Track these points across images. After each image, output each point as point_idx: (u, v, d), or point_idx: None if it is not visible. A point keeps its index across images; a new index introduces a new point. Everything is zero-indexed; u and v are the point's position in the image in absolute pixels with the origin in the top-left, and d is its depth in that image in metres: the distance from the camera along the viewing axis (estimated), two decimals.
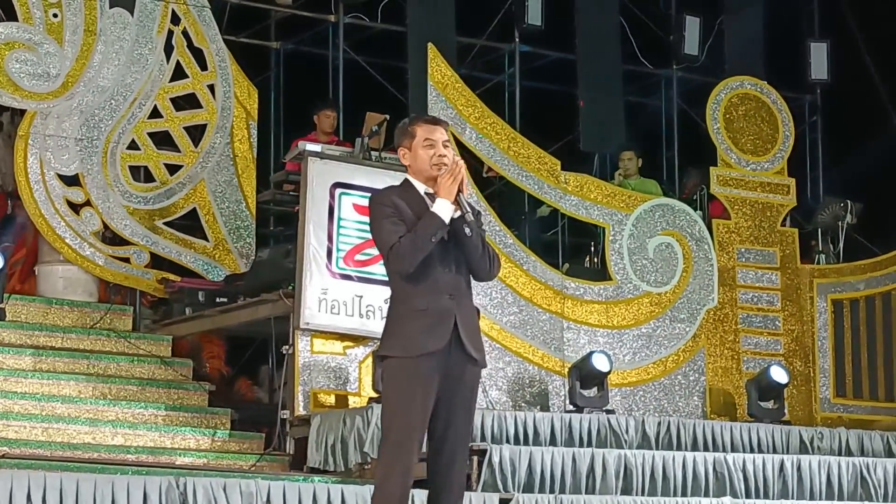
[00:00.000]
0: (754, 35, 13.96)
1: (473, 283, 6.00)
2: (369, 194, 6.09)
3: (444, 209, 5.81)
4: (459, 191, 5.84)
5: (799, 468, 10.17)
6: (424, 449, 5.93)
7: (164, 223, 11.59)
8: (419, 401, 5.75)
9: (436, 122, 6.01)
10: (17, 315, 10.77)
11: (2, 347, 10.33)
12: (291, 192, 11.46)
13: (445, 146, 5.95)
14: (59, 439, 9.63)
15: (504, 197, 12.75)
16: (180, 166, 11.68)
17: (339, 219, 10.18)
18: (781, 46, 14.29)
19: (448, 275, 5.85)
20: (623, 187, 12.38)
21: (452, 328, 5.81)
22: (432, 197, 5.88)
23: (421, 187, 5.94)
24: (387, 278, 5.95)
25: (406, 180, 6.00)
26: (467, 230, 5.83)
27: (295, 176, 11.06)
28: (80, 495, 7.72)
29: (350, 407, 10.04)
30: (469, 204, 5.89)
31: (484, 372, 10.61)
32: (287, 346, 10.18)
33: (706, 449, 10.46)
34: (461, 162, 5.89)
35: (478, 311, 6.06)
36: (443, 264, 5.83)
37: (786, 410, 11.77)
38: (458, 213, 5.83)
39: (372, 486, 5.91)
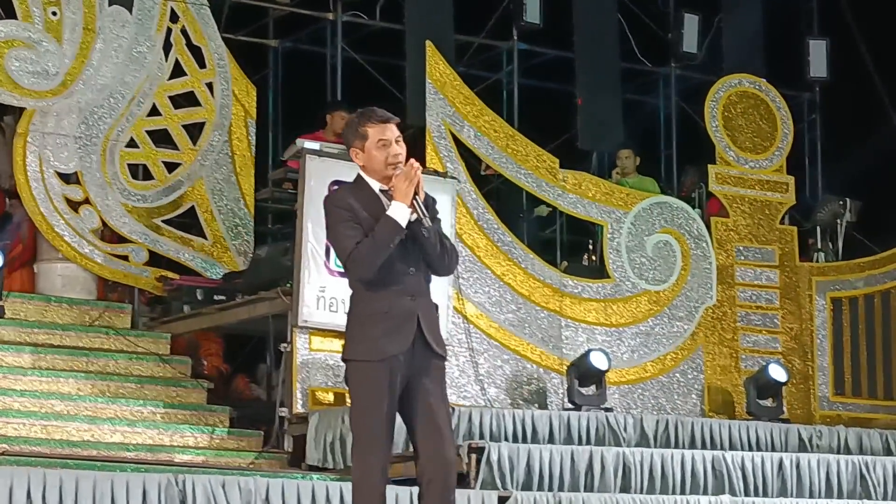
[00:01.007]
0: (753, 33, 13.96)
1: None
2: None
3: (400, 213, 5.77)
4: (416, 193, 5.80)
5: (798, 466, 10.17)
6: (401, 449, 5.94)
7: (163, 221, 11.59)
8: (386, 402, 5.79)
9: (387, 119, 5.94)
10: (16, 312, 10.77)
11: (1, 345, 10.33)
12: (290, 190, 11.46)
13: (398, 143, 5.91)
14: (58, 437, 9.64)
15: (502, 195, 12.76)
16: (179, 164, 11.68)
17: None
18: (780, 44, 14.29)
19: (408, 275, 5.84)
20: (621, 185, 12.38)
21: (416, 329, 5.82)
22: (387, 194, 5.84)
23: (375, 185, 5.91)
24: None
25: (359, 177, 5.95)
26: (425, 232, 5.81)
27: (293, 174, 11.06)
28: (80, 493, 7.72)
29: (348, 405, 10.01)
30: (427, 196, 5.86)
31: (482, 370, 10.79)
32: (285, 344, 10.18)
33: (704, 447, 10.46)
34: (416, 164, 5.85)
35: (436, 307, 6.06)
36: (403, 265, 5.83)
37: (784, 408, 11.77)
38: (416, 216, 5.81)
39: None
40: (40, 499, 7.62)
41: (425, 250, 5.85)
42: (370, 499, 5.79)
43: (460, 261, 10.77)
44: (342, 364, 10.03)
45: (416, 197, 5.80)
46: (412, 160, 5.88)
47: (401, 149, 5.90)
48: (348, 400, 10.01)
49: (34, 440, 9.50)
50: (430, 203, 5.92)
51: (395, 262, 5.81)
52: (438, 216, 6.00)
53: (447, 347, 6.14)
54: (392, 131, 5.91)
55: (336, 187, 10.19)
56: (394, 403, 5.82)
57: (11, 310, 10.71)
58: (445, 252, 5.89)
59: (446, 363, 6.03)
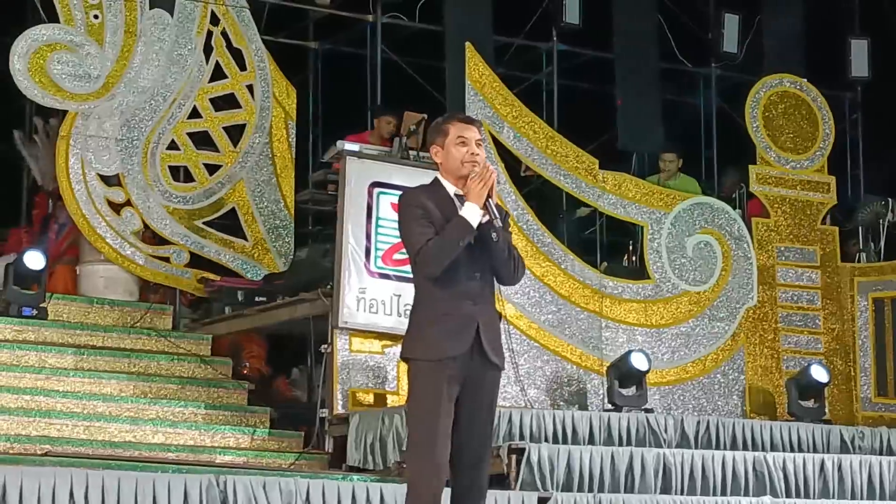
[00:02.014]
0: (794, 32, 13.89)
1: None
2: None
3: (472, 214, 5.80)
4: (489, 196, 5.83)
5: (840, 468, 10.12)
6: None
7: (204, 223, 11.65)
8: (444, 403, 5.79)
9: (470, 121, 6.00)
10: (58, 314, 10.86)
11: (44, 346, 10.40)
12: (331, 192, 11.48)
13: (479, 145, 5.94)
14: (101, 437, 9.69)
15: (542, 196, 12.74)
16: (219, 166, 11.74)
17: (378, 218, 10.20)
18: (821, 43, 14.21)
19: (473, 279, 5.86)
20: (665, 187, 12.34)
21: (475, 334, 5.84)
22: (461, 198, 5.88)
23: (451, 188, 5.94)
24: None
25: (436, 179, 6.00)
26: (494, 235, 5.83)
27: (334, 175, 11.09)
28: (122, 493, 7.77)
29: (388, 406, 10.05)
30: (497, 207, 5.90)
31: (522, 371, 10.79)
32: (326, 346, 10.20)
33: (746, 448, 10.42)
34: (492, 167, 5.89)
35: (500, 316, 6.06)
36: (468, 269, 5.86)
37: (826, 409, 11.72)
38: (487, 219, 5.83)
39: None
40: (83, 499, 7.67)
41: (493, 255, 5.87)
42: (424, 501, 5.79)
43: None
44: (382, 365, 10.22)
45: (490, 199, 5.83)
46: (488, 163, 5.91)
47: (480, 151, 5.92)
48: (388, 400, 10.11)
49: (77, 441, 9.56)
50: (502, 216, 5.95)
51: (460, 265, 5.83)
52: (510, 230, 6.02)
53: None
54: (473, 132, 5.96)
55: (377, 188, 10.25)
56: (451, 406, 5.83)
57: (54, 311, 10.80)
58: (512, 259, 5.91)
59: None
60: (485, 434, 5.92)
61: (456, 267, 5.82)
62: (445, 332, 5.82)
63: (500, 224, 5.84)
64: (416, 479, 5.84)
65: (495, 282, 6.00)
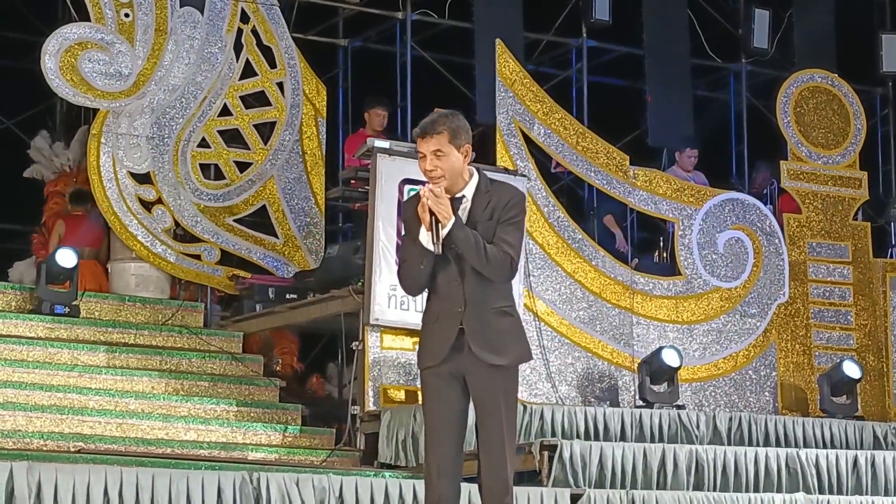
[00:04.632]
0: (825, 27, 13.84)
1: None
2: None
3: (423, 237, 5.86)
4: (433, 214, 5.78)
5: (873, 464, 10.08)
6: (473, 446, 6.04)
7: (234, 220, 11.67)
8: (437, 405, 5.91)
9: (421, 133, 5.91)
10: (90, 312, 10.90)
11: (76, 344, 10.44)
12: (360, 189, 11.47)
13: (436, 156, 5.86)
14: (134, 435, 9.73)
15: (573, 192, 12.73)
16: (250, 164, 11.76)
17: None
18: (852, 39, 14.15)
19: (456, 285, 5.88)
20: None
21: (456, 337, 5.86)
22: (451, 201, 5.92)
23: None
24: None
25: None
26: (455, 247, 5.82)
27: (364, 172, 11.08)
28: (156, 490, 7.79)
29: (420, 402, 10.04)
30: (499, 198, 5.85)
31: (553, 367, 10.76)
32: (357, 342, 10.21)
33: (778, 444, 10.40)
34: (424, 191, 5.81)
35: (510, 315, 5.98)
36: (448, 277, 5.90)
37: (859, 405, 11.67)
38: (437, 237, 5.81)
39: None
40: (117, 496, 7.69)
41: (467, 261, 5.88)
42: (430, 499, 5.95)
43: (530, 259, 10.77)
44: (413, 362, 10.21)
45: (437, 221, 5.79)
46: (421, 188, 5.87)
47: (431, 164, 5.86)
48: (419, 397, 10.10)
49: (110, 438, 9.59)
50: (500, 205, 5.91)
51: (443, 273, 5.90)
52: (514, 217, 5.91)
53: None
54: (426, 145, 5.89)
55: (408, 185, 10.25)
56: (448, 407, 5.91)
57: (86, 309, 10.83)
58: (485, 259, 5.83)
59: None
60: (493, 432, 5.90)
61: (440, 275, 5.89)
62: (429, 338, 5.94)
63: (441, 249, 5.78)
64: (426, 479, 5.98)
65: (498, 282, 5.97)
